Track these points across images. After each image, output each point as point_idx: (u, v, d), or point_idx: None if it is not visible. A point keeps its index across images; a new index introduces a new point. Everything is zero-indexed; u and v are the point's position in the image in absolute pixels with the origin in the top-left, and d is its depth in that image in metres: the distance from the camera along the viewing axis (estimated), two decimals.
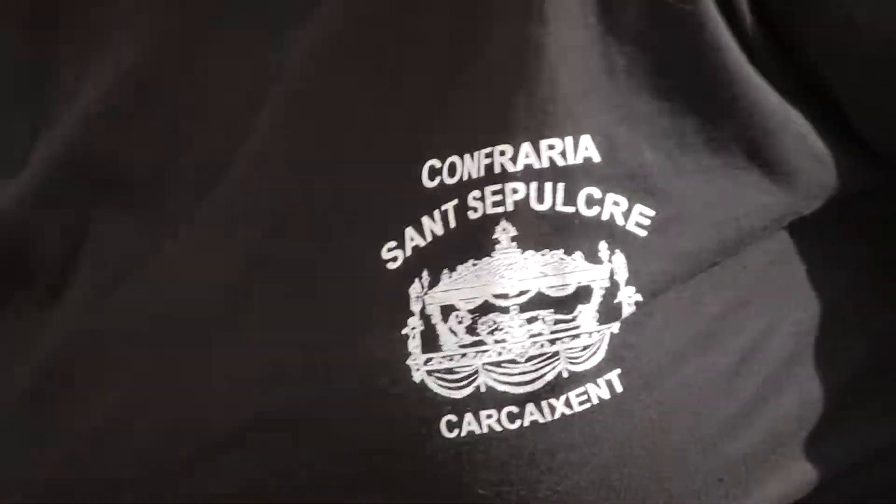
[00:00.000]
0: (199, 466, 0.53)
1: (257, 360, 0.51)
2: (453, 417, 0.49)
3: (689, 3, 0.47)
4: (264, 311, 0.52)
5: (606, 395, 0.48)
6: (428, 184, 0.50)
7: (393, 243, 0.50)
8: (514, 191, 0.49)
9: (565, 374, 0.48)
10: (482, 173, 0.49)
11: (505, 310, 0.49)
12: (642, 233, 0.48)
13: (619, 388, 0.48)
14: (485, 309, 0.49)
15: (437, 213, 0.49)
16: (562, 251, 0.49)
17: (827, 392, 0.51)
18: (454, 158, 0.49)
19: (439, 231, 0.49)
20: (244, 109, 0.52)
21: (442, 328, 0.50)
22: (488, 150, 0.48)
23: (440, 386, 0.49)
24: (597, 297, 0.49)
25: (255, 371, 0.51)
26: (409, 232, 0.50)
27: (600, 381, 0.48)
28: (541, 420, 0.48)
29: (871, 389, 0.52)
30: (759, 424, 0.50)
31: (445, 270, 0.49)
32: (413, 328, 0.50)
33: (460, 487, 0.49)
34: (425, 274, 0.50)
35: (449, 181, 0.49)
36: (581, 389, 0.48)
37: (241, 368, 0.52)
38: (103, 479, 0.54)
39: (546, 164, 0.48)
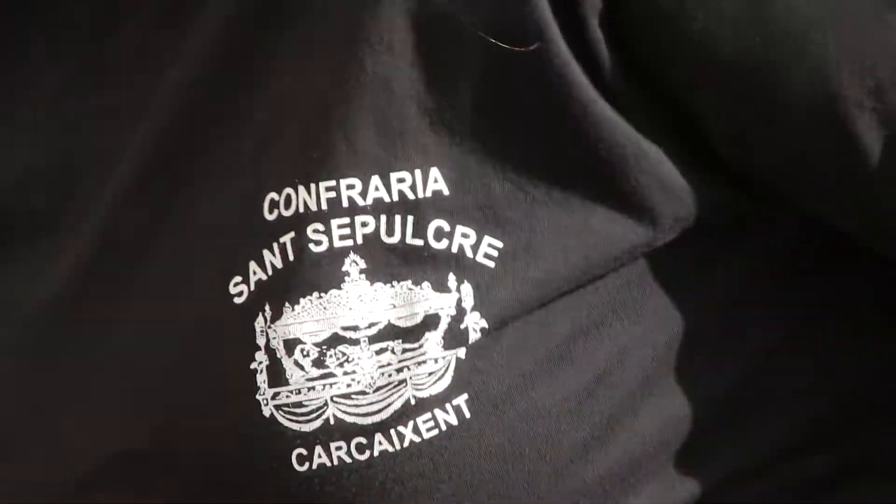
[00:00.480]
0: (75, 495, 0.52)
1: (120, 392, 0.51)
2: (303, 451, 0.48)
3: (524, 46, 0.46)
4: (123, 343, 0.51)
5: (454, 421, 0.49)
6: (268, 216, 0.48)
7: (238, 278, 0.49)
8: (364, 224, 0.48)
9: (412, 402, 0.48)
10: (324, 206, 0.48)
11: (354, 342, 0.48)
12: (490, 264, 0.48)
13: (467, 414, 0.49)
14: (333, 341, 0.48)
15: (275, 245, 0.48)
16: (410, 282, 0.48)
17: (690, 414, 0.52)
18: (289, 191, 0.48)
19: (279, 264, 0.48)
20: (119, 142, 0.52)
21: (287, 362, 0.48)
22: (330, 182, 0.47)
23: (289, 420, 0.48)
24: (443, 324, 0.48)
25: (119, 403, 0.51)
26: (252, 265, 0.49)
27: (448, 406, 0.49)
28: (390, 449, 0.48)
29: (741, 411, 0.53)
30: (614, 446, 0.51)
31: (287, 304, 0.48)
32: (260, 363, 0.48)
33: None
34: (267, 307, 0.48)
35: (286, 213, 0.48)
36: (428, 416, 0.48)
37: (105, 401, 0.51)
38: None
39: (396, 197, 0.48)
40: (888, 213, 0.50)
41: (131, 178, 0.51)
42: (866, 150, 0.48)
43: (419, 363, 0.48)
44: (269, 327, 0.48)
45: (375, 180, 0.47)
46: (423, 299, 0.48)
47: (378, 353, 0.48)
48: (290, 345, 0.48)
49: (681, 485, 0.53)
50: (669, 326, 0.51)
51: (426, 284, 0.48)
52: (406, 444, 0.48)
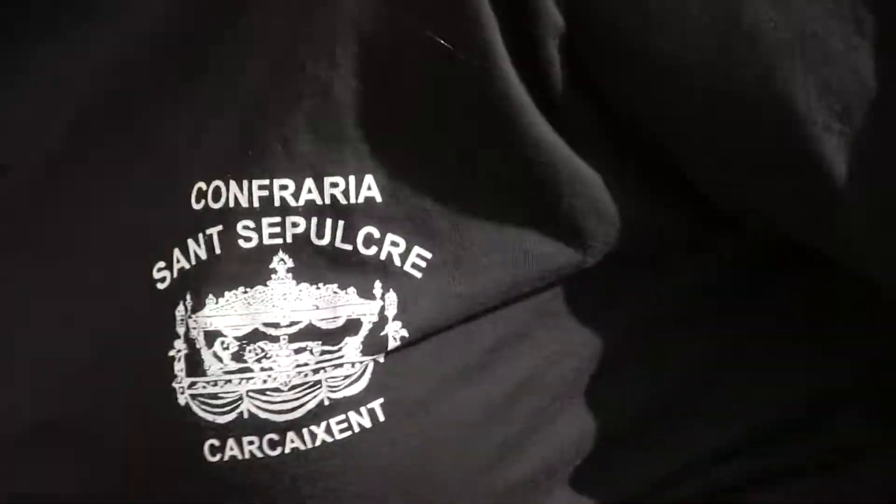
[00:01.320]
0: None
1: (38, 370, 0.51)
2: (216, 442, 0.49)
3: (477, 58, 0.47)
4: (43, 322, 0.51)
5: (368, 424, 0.49)
6: (195, 206, 0.48)
7: (162, 263, 0.49)
8: (295, 224, 0.48)
9: (326, 402, 0.49)
10: (256, 204, 0.48)
11: (274, 339, 0.48)
12: (418, 274, 0.49)
13: (381, 417, 0.49)
14: (253, 337, 0.48)
15: (201, 236, 0.48)
16: (336, 285, 0.48)
17: (610, 423, 0.53)
18: (218, 183, 0.48)
19: (203, 255, 0.48)
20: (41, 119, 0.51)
21: (206, 353, 0.49)
22: (264, 181, 0.48)
23: (204, 410, 0.48)
24: (364, 330, 0.49)
25: (34, 380, 0.51)
26: (176, 253, 0.49)
27: (362, 409, 0.49)
28: (301, 447, 0.49)
29: (660, 424, 0.54)
30: (532, 452, 0.51)
31: (211, 296, 0.48)
32: (178, 351, 0.49)
33: None
34: (189, 297, 0.48)
35: (213, 205, 0.48)
36: (342, 417, 0.49)
37: (22, 376, 0.52)
38: None
39: (328, 200, 0.48)
40: (858, 232, 0.50)
41: (43, 164, 0.51)
42: (833, 172, 0.48)
43: (336, 366, 0.49)
44: (190, 317, 0.48)
45: (309, 182, 0.47)
46: (346, 303, 0.48)
47: (297, 352, 0.48)
48: (211, 336, 0.48)
49: (595, 491, 0.53)
50: (593, 340, 0.52)
51: (351, 290, 0.48)
52: (318, 443, 0.49)
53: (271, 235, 0.48)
